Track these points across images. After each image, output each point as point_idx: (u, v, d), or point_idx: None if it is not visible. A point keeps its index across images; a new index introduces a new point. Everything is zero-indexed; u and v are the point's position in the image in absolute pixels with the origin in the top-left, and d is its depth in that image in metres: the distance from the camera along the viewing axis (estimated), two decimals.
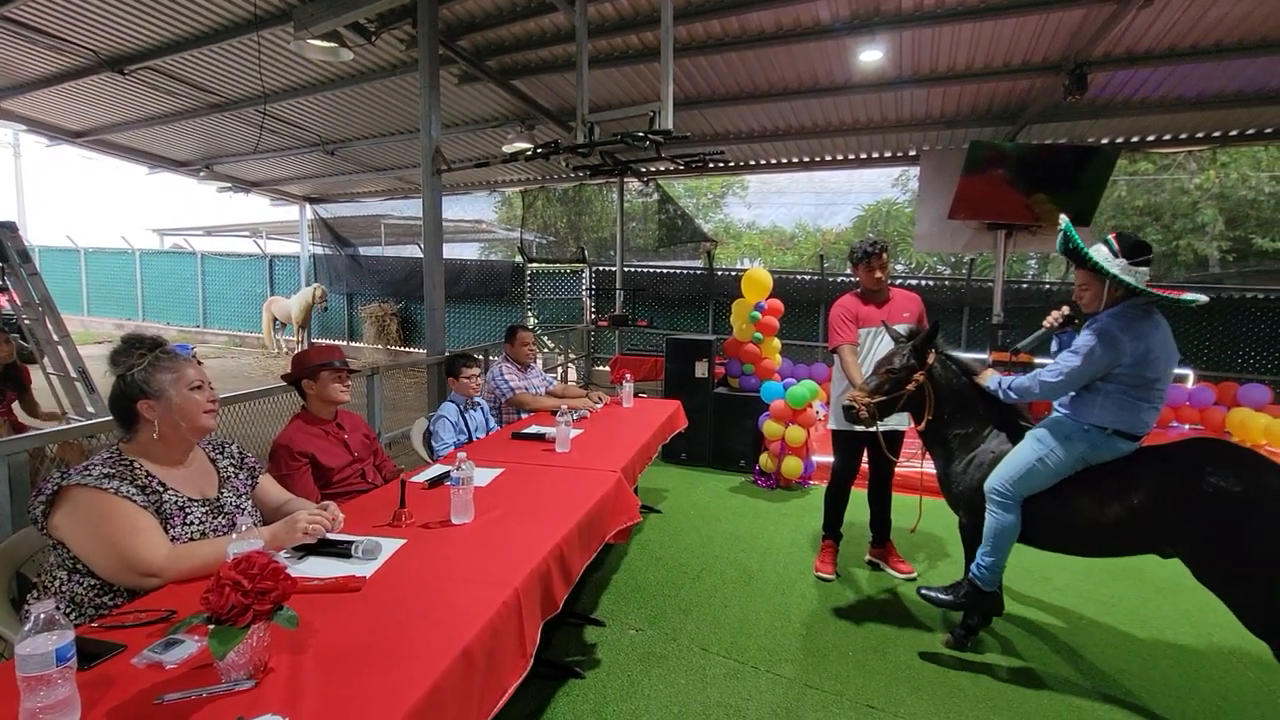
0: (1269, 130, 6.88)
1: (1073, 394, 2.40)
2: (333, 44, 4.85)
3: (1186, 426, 6.57)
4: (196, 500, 1.68)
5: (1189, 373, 7.05)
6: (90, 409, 4.67)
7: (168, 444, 1.69)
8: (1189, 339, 7.92)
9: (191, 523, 1.64)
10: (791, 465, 4.87)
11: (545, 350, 8.97)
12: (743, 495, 4.76)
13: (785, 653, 2.64)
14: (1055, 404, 2.50)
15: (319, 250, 13.32)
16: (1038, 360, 3.05)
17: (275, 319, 12.37)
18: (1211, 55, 5.18)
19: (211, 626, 1.12)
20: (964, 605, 2.60)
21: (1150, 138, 7.31)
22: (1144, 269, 2.24)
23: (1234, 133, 7.02)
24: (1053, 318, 2.55)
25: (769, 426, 4.94)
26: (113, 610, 1.46)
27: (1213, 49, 5.14)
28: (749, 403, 5.28)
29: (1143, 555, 2.32)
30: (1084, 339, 2.31)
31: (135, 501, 1.54)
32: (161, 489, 1.62)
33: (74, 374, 4.83)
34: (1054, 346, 2.57)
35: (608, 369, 8.81)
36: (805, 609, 3.02)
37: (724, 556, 3.60)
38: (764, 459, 5.04)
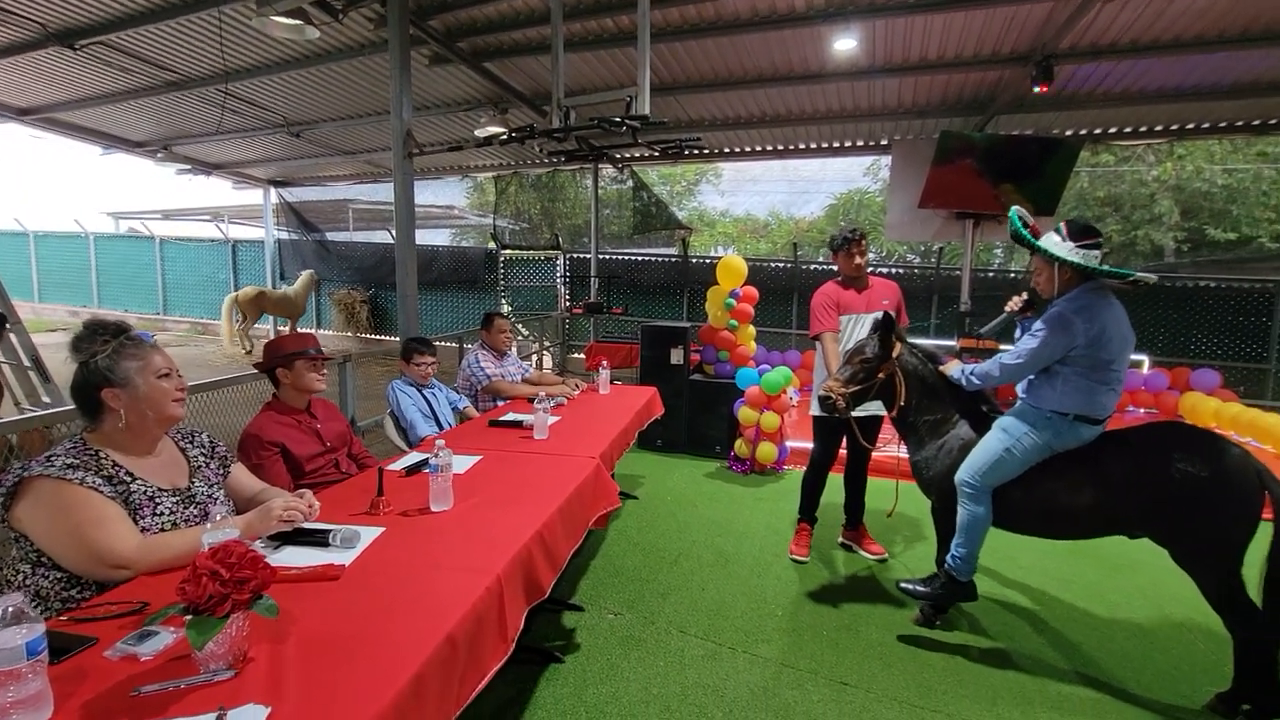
0: (1222, 124, 7.13)
1: (1033, 382, 2.47)
2: (298, 21, 4.69)
3: (1142, 411, 6.83)
4: (166, 490, 1.64)
5: (1144, 358, 7.31)
6: (46, 398, 4.50)
7: (135, 433, 1.64)
8: (1145, 326, 8.20)
9: (162, 513, 1.60)
10: (766, 451, 4.93)
11: (520, 338, 8.91)
12: (718, 481, 4.82)
13: (761, 633, 2.69)
14: (1018, 392, 2.58)
15: (285, 235, 12.96)
16: (1002, 346, 3.15)
17: (263, 312, 11.19)
18: (1171, 49, 5.34)
19: (189, 617, 1.10)
20: (941, 596, 2.66)
21: (1112, 130, 7.52)
22: (1094, 252, 2.33)
23: (1190, 126, 7.25)
24: (1013, 303, 2.63)
25: (744, 412, 4.99)
26: (81, 604, 1.42)
27: (1172, 43, 5.30)
28: (724, 389, 5.33)
29: (1107, 536, 2.41)
30: (1040, 322, 2.39)
31: (101, 492, 1.50)
32: (129, 479, 1.58)
33: (27, 362, 4.64)
34: (1017, 332, 2.64)
35: (583, 356, 8.79)
36: (780, 591, 3.08)
37: (701, 541, 3.64)
38: (739, 445, 5.09)
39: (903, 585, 2.74)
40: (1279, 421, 5.31)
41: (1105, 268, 2.34)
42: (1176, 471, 2.20)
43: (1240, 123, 7.07)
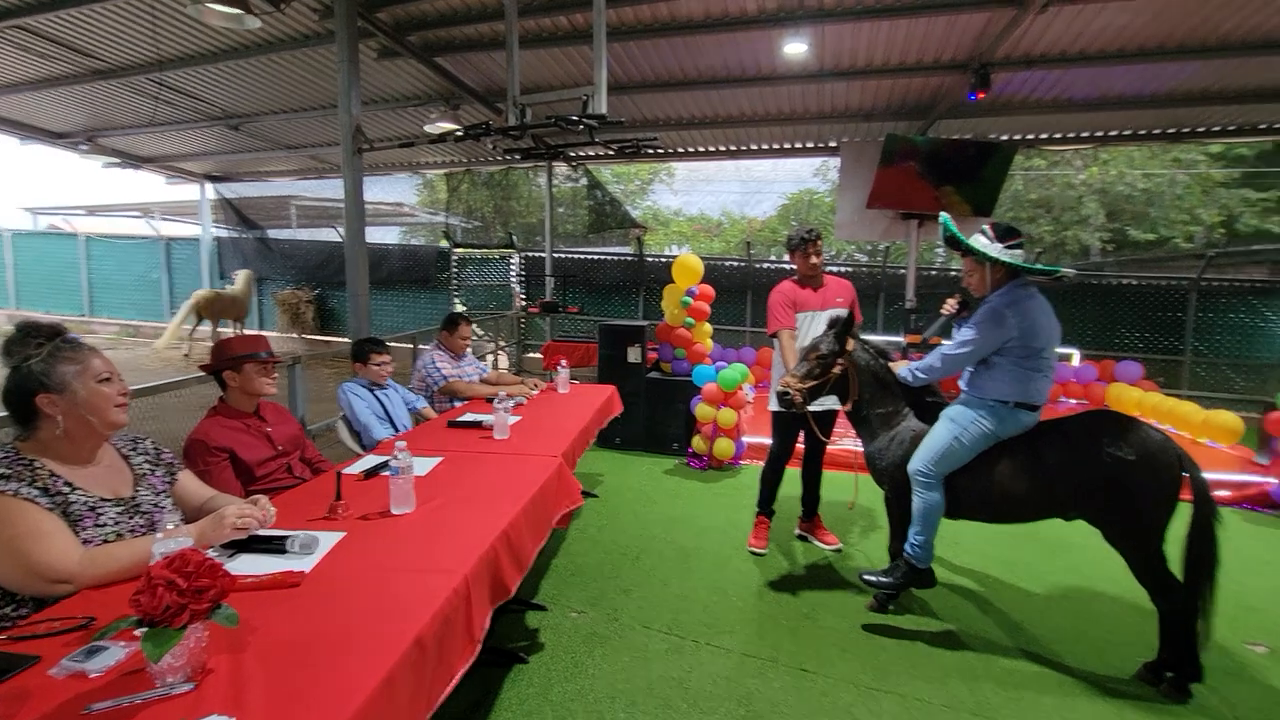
0: (1142, 132, 7.62)
1: (974, 375, 2.62)
2: (236, 10, 4.50)
3: (1074, 401, 7.23)
4: (109, 500, 1.57)
5: (1075, 352, 7.74)
6: None
7: (74, 441, 1.56)
8: (1075, 321, 8.69)
9: (105, 524, 1.53)
10: (723, 446, 5.01)
11: (475, 338, 8.78)
12: (677, 477, 4.87)
13: (723, 625, 2.74)
14: (961, 386, 2.72)
15: (223, 233, 12.40)
16: (945, 343, 3.31)
17: (221, 316, 10.57)
18: (1095, 61, 5.68)
19: (143, 630, 1.06)
20: (902, 585, 2.77)
21: (1043, 135, 7.93)
22: (1018, 251, 2.51)
23: (1113, 133, 7.73)
24: (948, 305, 2.77)
25: (701, 409, 5.06)
26: (18, 622, 1.35)
27: (1096, 56, 5.63)
28: (681, 387, 5.38)
29: (1046, 519, 2.56)
30: (976, 317, 2.55)
31: (38, 503, 1.43)
32: (68, 489, 1.50)
33: None
34: (954, 332, 2.78)
35: (539, 356, 8.73)
36: (741, 583, 3.14)
37: (661, 537, 3.68)
38: (697, 441, 5.16)
39: (865, 577, 2.83)
40: (1194, 409, 5.71)
41: (1036, 265, 2.50)
42: (1106, 456, 2.35)
43: (1158, 130, 7.58)
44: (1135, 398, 6.48)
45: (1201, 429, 5.50)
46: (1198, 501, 2.32)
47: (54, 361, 1.53)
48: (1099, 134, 7.78)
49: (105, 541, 1.51)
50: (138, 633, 1.08)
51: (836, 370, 2.84)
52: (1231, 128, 7.32)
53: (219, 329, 10.59)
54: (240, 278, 11.03)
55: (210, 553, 1.53)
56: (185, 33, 5.83)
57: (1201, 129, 7.45)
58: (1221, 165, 12.17)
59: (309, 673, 1.14)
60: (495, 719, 2.12)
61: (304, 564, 1.56)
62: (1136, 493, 2.33)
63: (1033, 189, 13.62)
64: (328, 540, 1.69)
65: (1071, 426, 2.54)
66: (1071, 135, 7.86)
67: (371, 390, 3.35)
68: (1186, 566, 2.31)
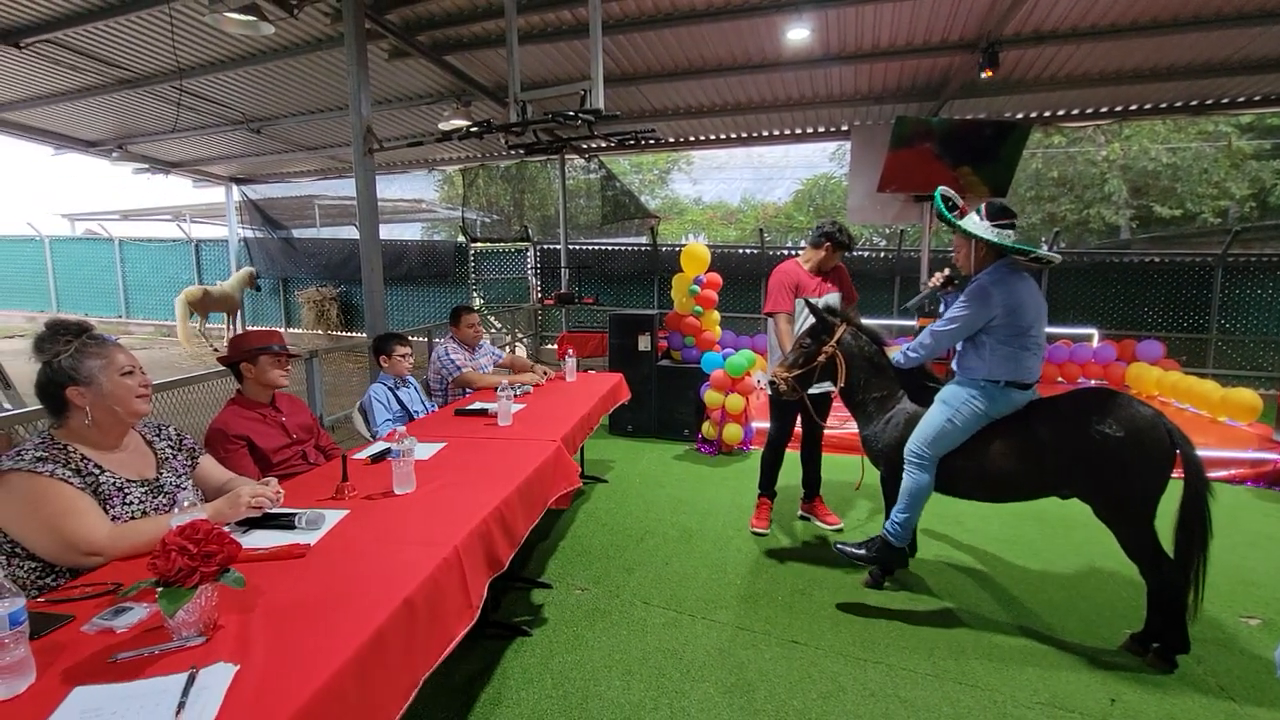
0: (1164, 105, 7.42)
1: (963, 356, 2.66)
2: (251, 17, 4.67)
3: (1092, 382, 7.13)
4: (135, 481, 1.72)
5: (1094, 332, 7.62)
6: (6, 405, 4.46)
7: (101, 429, 1.71)
8: (1097, 301, 8.56)
9: (131, 503, 1.68)
10: (732, 432, 5.09)
11: (493, 330, 8.96)
12: (686, 462, 4.96)
13: (720, 601, 2.84)
14: (953, 368, 2.76)
15: (249, 234, 12.76)
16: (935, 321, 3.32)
17: (211, 310, 11.13)
18: (1109, 34, 5.56)
19: (160, 589, 1.19)
20: (875, 560, 2.84)
21: (1060, 112, 7.76)
22: (1008, 232, 2.53)
23: (1134, 107, 7.53)
24: (936, 278, 2.80)
25: (710, 396, 5.14)
26: (56, 588, 1.50)
27: (1109, 29, 5.52)
28: (691, 374, 5.46)
29: (1043, 498, 2.60)
30: (964, 294, 2.59)
31: (71, 483, 1.57)
32: (98, 471, 1.65)
33: None
34: (941, 307, 2.81)
35: (555, 347, 8.87)
36: (740, 562, 3.23)
37: (666, 519, 3.78)
38: (706, 427, 5.24)
39: (838, 547, 2.90)
40: (1213, 387, 5.61)
41: (1013, 244, 2.52)
42: (1095, 433, 2.38)
43: (1180, 103, 7.36)
44: (1154, 377, 6.39)
45: (1220, 407, 5.41)
46: (1189, 476, 2.34)
47: (81, 356, 1.67)
48: (1119, 108, 7.59)
49: (132, 518, 1.66)
50: (156, 593, 1.21)
51: (821, 358, 2.90)
52: (1257, 98, 7.10)
53: (208, 324, 11.06)
54: (236, 275, 11.39)
55: (225, 529, 1.68)
56: (203, 40, 6.03)
57: (1228, 100, 7.23)
58: (1251, 136, 11.76)
59: (307, 628, 1.26)
60: (498, 685, 2.25)
61: (310, 538, 1.69)
62: (1125, 468, 2.36)
63: (1053, 167, 13.32)
64: (333, 517, 1.82)
65: (1062, 404, 2.57)
66: (1091, 110, 7.68)
67: (394, 391, 3.46)
68: (1177, 540, 2.34)
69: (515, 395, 3.21)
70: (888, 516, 2.96)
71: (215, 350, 10.49)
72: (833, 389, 3.11)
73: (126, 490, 1.68)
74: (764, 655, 2.44)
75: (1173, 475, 2.34)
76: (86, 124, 8.76)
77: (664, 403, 5.60)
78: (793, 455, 3.70)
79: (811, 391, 3.10)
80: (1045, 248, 2.88)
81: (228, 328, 11.53)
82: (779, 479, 3.71)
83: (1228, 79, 6.49)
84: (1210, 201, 12.15)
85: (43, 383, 1.67)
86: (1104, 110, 7.64)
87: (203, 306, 10.88)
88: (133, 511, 1.67)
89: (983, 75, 5.67)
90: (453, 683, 2.25)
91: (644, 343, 5.60)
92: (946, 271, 2.78)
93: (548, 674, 2.32)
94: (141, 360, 1.82)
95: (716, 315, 5.85)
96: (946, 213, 2.60)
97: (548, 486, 2.43)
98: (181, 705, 1.02)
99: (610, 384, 4.16)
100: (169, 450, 1.89)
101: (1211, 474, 2.39)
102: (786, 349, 3.23)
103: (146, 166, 10.56)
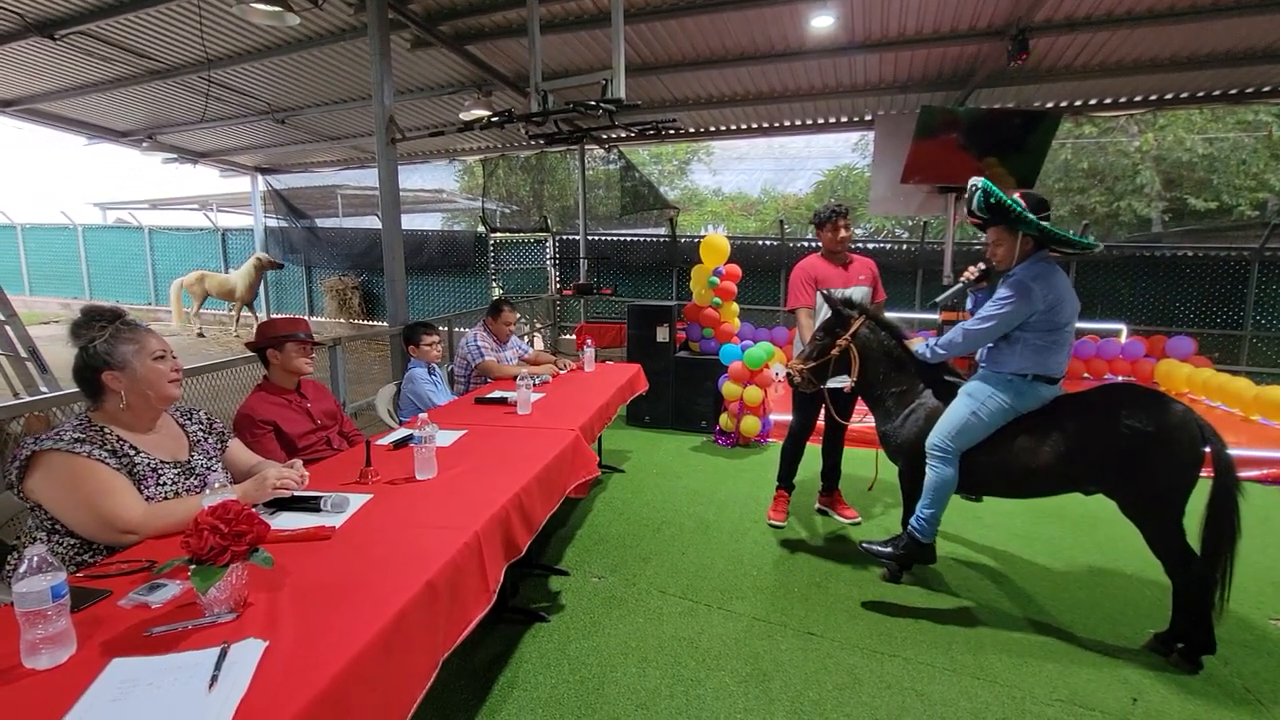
0: (1200, 94, 7.19)
1: (992, 349, 2.61)
2: (277, 8, 4.71)
3: (1120, 378, 6.99)
4: (168, 463, 1.77)
5: (1122, 327, 7.46)
6: (43, 388, 4.60)
7: (135, 412, 1.76)
8: (1125, 296, 8.35)
9: (164, 483, 1.72)
10: (750, 424, 5.08)
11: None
12: (703, 454, 4.97)
13: (736, 591, 2.85)
14: (978, 361, 2.71)
15: (273, 222, 12.95)
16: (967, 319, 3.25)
17: (208, 295, 11.76)
18: (1145, 20, 5.40)
19: (193, 567, 1.23)
20: (903, 557, 2.81)
21: (1092, 101, 7.56)
22: (1047, 223, 2.46)
23: (1169, 96, 7.31)
24: (970, 272, 2.75)
25: (728, 388, 5.13)
26: (94, 565, 1.55)
27: (1146, 15, 5.35)
28: (709, 365, 5.46)
29: (1066, 493, 2.56)
30: (1003, 291, 2.51)
31: (108, 464, 1.62)
32: (133, 452, 1.70)
33: (24, 354, 4.73)
34: (969, 304, 2.76)
35: (573, 338, 8.91)
36: (757, 553, 3.24)
37: (683, 510, 3.79)
38: (724, 419, 5.24)
39: (865, 545, 2.88)
40: (1246, 385, 5.47)
41: (1080, 237, 2.46)
42: (1124, 427, 2.34)
43: (1218, 92, 7.13)
44: (1184, 374, 6.24)
45: (1253, 405, 5.27)
46: (1219, 473, 2.29)
47: (115, 342, 1.72)
48: (1153, 97, 7.37)
49: (165, 499, 1.71)
50: (189, 570, 1.25)
51: (834, 351, 2.87)
52: None
53: (201, 310, 11.42)
54: (247, 263, 11.64)
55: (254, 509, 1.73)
56: (231, 31, 6.11)
57: (1269, 88, 6.99)
58: None
59: (334, 607, 1.30)
60: (515, 669, 2.29)
61: (335, 520, 1.73)
62: (1154, 465, 2.32)
63: (1083, 157, 12.98)
64: (357, 501, 1.86)
65: (1091, 399, 2.52)
66: (1124, 99, 7.47)
67: (430, 372, 3.58)
68: (1205, 538, 2.29)
69: (534, 385, 3.24)
70: (907, 512, 2.95)
71: (201, 335, 10.89)
72: (848, 383, 3.08)
73: (160, 471, 1.73)
74: (780, 646, 2.44)
75: (1202, 474, 2.30)
76: (118, 114, 8.94)
77: (682, 394, 5.60)
78: (812, 449, 3.69)
79: (833, 385, 3.08)
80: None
81: (236, 316, 11.79)
82: (797, 472, 3.70)
83: (1269, 66, 6.26)
84: (1248, 194, 11.76)
85: (79, 367, 1.72)
86: (1138, 99, 7.42)
87: (197, 291, 11.31)
88: (166, 492, 1.72)
89: (1013, 63, 5.55)
90: (472, 665, 2.29)
91: (662, 334, 5.60)
92: (981, 266, 2.72)
93: (564, 659, 2.35)
94: (172, 346, 1.87)
95: (735, 307, 5.83)
96: (1006, 200, 2.47)
97: (566, 475, 2.45)
98: (215, 678, 1.06)
99: (628, 374, 4.18)
100: (200, 433, 1.94)
101: (1242, 473, 2.34)
102: (805, 342, 3.21)
103: (175, 156, 10.76)
